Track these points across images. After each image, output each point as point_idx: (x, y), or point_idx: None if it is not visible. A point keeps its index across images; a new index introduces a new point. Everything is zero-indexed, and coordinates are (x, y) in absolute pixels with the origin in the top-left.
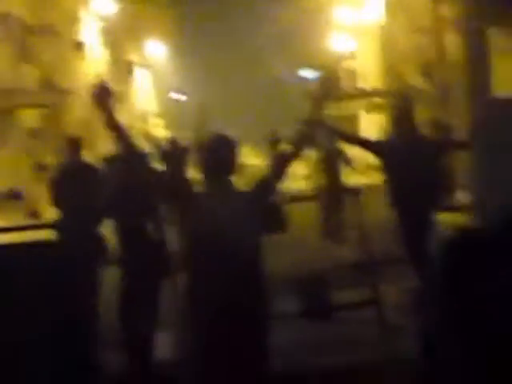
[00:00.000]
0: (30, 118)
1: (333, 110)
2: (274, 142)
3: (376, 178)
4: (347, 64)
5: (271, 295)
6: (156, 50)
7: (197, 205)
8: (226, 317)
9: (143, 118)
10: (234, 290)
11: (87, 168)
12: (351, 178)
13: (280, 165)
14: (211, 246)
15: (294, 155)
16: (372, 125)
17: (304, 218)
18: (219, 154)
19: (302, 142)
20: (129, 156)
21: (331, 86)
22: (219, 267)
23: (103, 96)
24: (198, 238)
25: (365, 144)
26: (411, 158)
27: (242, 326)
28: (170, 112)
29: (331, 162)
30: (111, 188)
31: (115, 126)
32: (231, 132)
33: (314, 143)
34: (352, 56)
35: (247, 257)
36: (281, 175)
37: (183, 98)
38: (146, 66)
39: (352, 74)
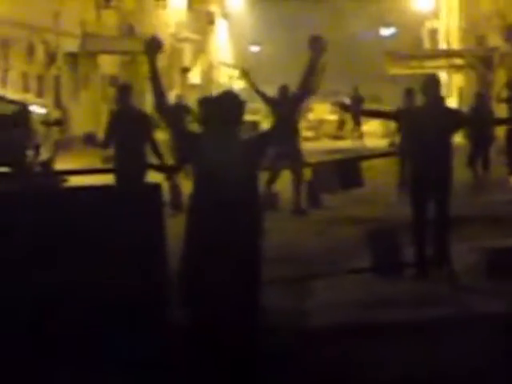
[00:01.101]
0: (110, 64)
1: (411, 70)
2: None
3: None
4: (430, 24)
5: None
6: (235, 1)
7: (199, 145)
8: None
9: (220, 68)
10: (229, 220)
11: (136, 113)
12: None
13: (293, 103)
14: (209, 181)
15: (303, 90)
16: (451, 85)
17: (381, 174)
18: (223, 106)
19: (310, 73)
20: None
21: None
22: (218, 198)
23: (153, 49)
24: (199, 174)
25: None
26: (429, 122)
27: (236, 253)
28: (246, 63)
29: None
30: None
31: (154, 78)
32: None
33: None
34: (435, 16)
35: (241, 193)
36: (293, 112)
37: (258, 49)
38: (225, 16)
39: (434, 34)
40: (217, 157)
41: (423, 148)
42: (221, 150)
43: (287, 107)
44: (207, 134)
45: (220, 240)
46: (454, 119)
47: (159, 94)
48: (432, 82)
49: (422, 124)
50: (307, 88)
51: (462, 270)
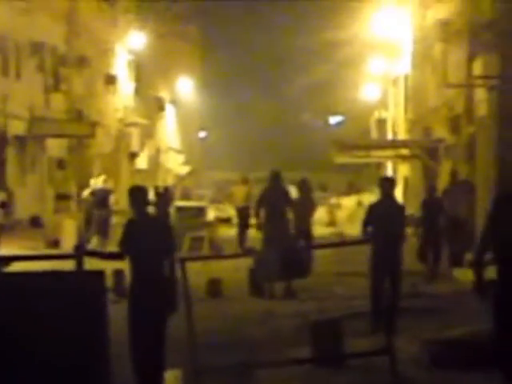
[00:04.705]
0: (58, 147)
1: (362, 158)
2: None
3: None
4: (378, 113)
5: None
6: (184, 87)
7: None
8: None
9: (168, 153)
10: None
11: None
12: None
13: None
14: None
15: None
16: (396, 173)
17: (323, 264)
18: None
19: None
20: None
21: None
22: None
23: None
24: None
25: None
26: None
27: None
28: (191, 148)
29: None
30: None
31: None
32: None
33: None
34: (383, 106)
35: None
36: None
37: (205, 134)
38: (173, 102)
39: (381, 124)
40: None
41: (381, 235)
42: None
43: None
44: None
45: None
46: (402, 214)
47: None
48: (385, 181)
49: (379, 215)
50: None
51: (404, 360)
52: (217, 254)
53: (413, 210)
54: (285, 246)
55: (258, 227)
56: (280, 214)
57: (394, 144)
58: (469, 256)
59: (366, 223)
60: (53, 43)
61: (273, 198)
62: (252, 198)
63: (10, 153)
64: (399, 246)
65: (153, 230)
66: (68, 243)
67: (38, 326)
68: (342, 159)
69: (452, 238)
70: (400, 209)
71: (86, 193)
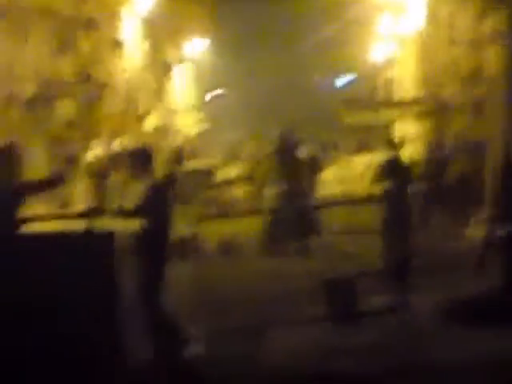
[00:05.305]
0: (66, 109)
1: (368, 119)
2: None
3: None
4: (386, 73)
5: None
6: (197, 47)
7: None
8: None
9: (180, 114)
10: None
11: None
12: None
13: None
14: None
15: None
16: (406, 134)
17: (334, 222)
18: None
19: None
20: None
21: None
22: None
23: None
24: None
25: None
26: None
27: None
28: (208, 108)
29: None
30: None
31: None
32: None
33: None
34: (391, 65)
35: None
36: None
37: (221, 95)
38: (186, 62)
39: (389, 83)
40: None
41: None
42: None
43: None
44: None
45: None
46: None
47: None
48: (394, 141)
49: (389, 174)
50: None
51: (419, 317)
52: (228, 212)
53: (423, 168)
54: (299, 204)
55: (274, 188)
56: (295, 173)
57: (404, 102)
58: (478, 213)
59: (376, 181)
60: (60, 6)
61: (286, 156)
62: (263, 155)
63: (19, 116)
64: (410, 203)
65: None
66: (78, 205)
67: (50, 287)
68: (351, 118)
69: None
70: (408, 168)
71: (94, 153)
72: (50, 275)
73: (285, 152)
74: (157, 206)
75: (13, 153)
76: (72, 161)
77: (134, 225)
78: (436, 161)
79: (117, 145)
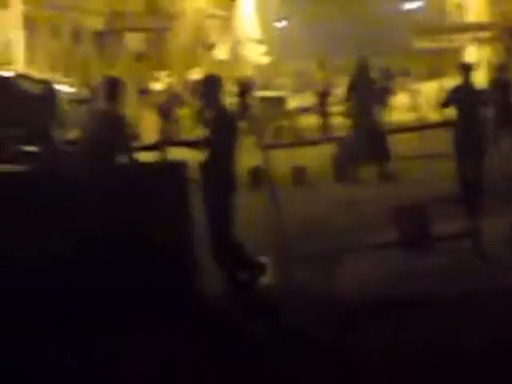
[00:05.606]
0: (136, 41)
1: (438, 43)
2: None
3: None
4: None
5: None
6: None
7: None
8: None
9: (249, 45)
10: None
11: None
12: None
13: None
14: None
15: None
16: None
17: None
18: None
19: None
20: None
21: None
22: None
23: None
24: None
25: None
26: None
27: None
28: (275, 38)
29: None
30: None
31: None
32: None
33: None
34: None
35: None
36: None
37: (284, 24)
38: None
39: (459, 7)
40: None
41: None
42: None
43: None
44: None
45: None
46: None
47: None
48: (465, 66)
49: (459, 100)
50: None
51: (490, 243)
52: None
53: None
54: (370, 129)
55: (347, 115)
56: (368, 99)
57: (475, 26)
58: None
59: (444, 105)
60: None
61: (361, 87)
62: (330, 84)
63: (89, 48)
64: (481, 129)
65: None
66: (148, 136)
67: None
68: (422, 44)
69: None
70: (479, 93)
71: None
72: (137, 197)
73: (361, 78)
74: (226, 135)
75: (119, 83)
76: (145, 92)
77: (203, 155)
78: (505, 85)
79: (187, 75)
